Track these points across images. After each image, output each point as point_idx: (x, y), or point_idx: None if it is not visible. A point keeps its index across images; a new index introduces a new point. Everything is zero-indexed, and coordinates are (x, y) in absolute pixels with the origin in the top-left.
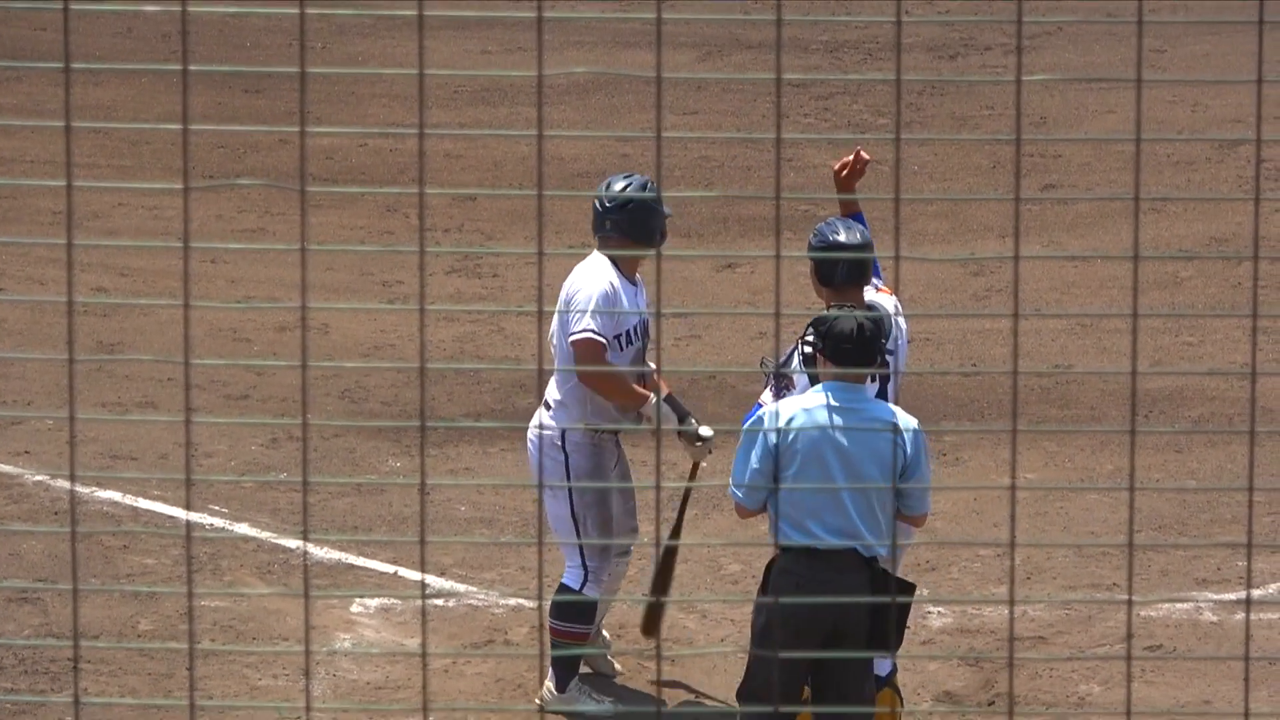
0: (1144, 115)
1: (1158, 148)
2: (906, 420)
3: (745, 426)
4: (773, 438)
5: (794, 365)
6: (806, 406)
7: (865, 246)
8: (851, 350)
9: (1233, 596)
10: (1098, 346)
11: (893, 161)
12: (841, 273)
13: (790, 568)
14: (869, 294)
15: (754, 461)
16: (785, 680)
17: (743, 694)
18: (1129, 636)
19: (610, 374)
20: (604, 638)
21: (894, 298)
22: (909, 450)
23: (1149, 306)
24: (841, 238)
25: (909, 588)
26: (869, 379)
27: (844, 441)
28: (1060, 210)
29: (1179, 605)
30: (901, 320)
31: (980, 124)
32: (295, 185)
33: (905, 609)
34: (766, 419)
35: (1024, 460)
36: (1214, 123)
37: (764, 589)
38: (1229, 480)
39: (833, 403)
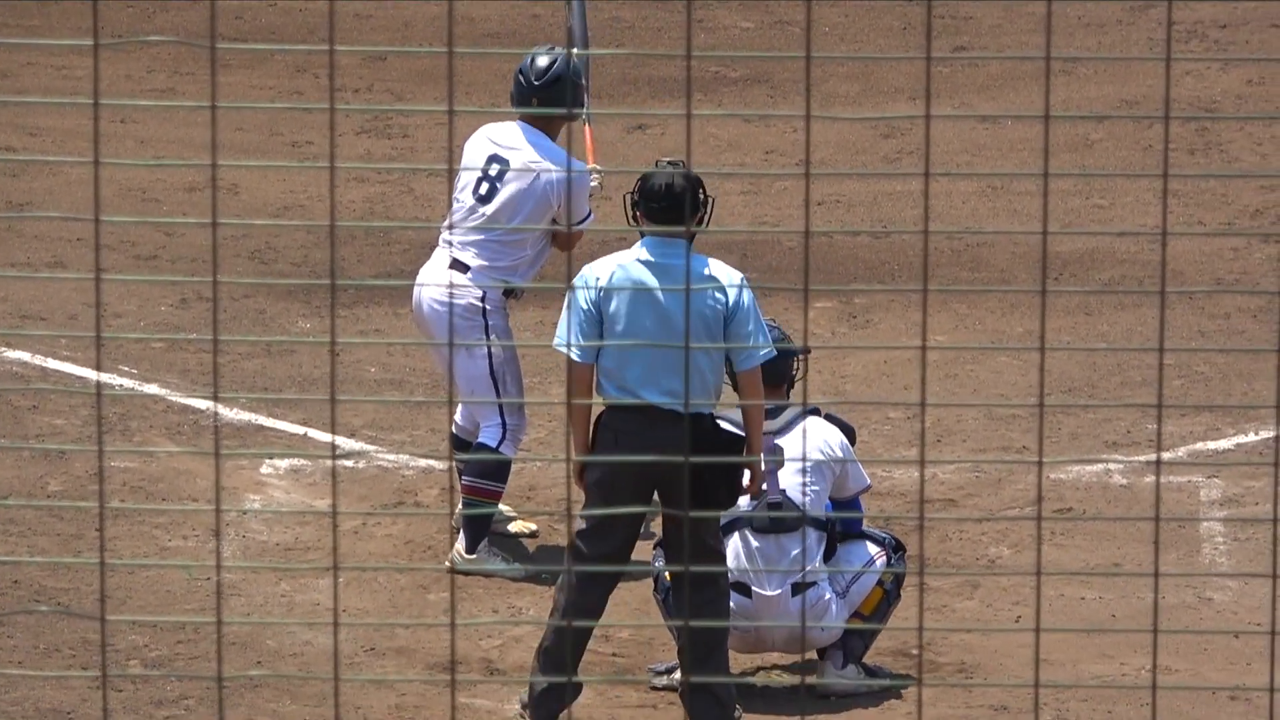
0: None
1: (1069, 9)
2: (729, 273)
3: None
4: (592, 294)
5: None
6: (623, 263)
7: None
8: (663, 207)
9: (1142, 459)
10: (1008, 209)
11: (803, 22)
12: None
13: (608, 422)
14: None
15: (577, 317)
16: (606, 531)
17: (571, 546)
18: (1039, 499)
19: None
20: (502, 509)
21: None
22: (728, 302)
23: (1060, 169)
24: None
25: (737, 442)
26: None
27: (660, 296)
28: (971, 71)
29: (1088, 468)
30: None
31: None
32: (205, 43)
33: (733, 467)
34: (586, 275)
35: (934, 322)
36: None
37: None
38: (1139, 343)
39: (649, 258)
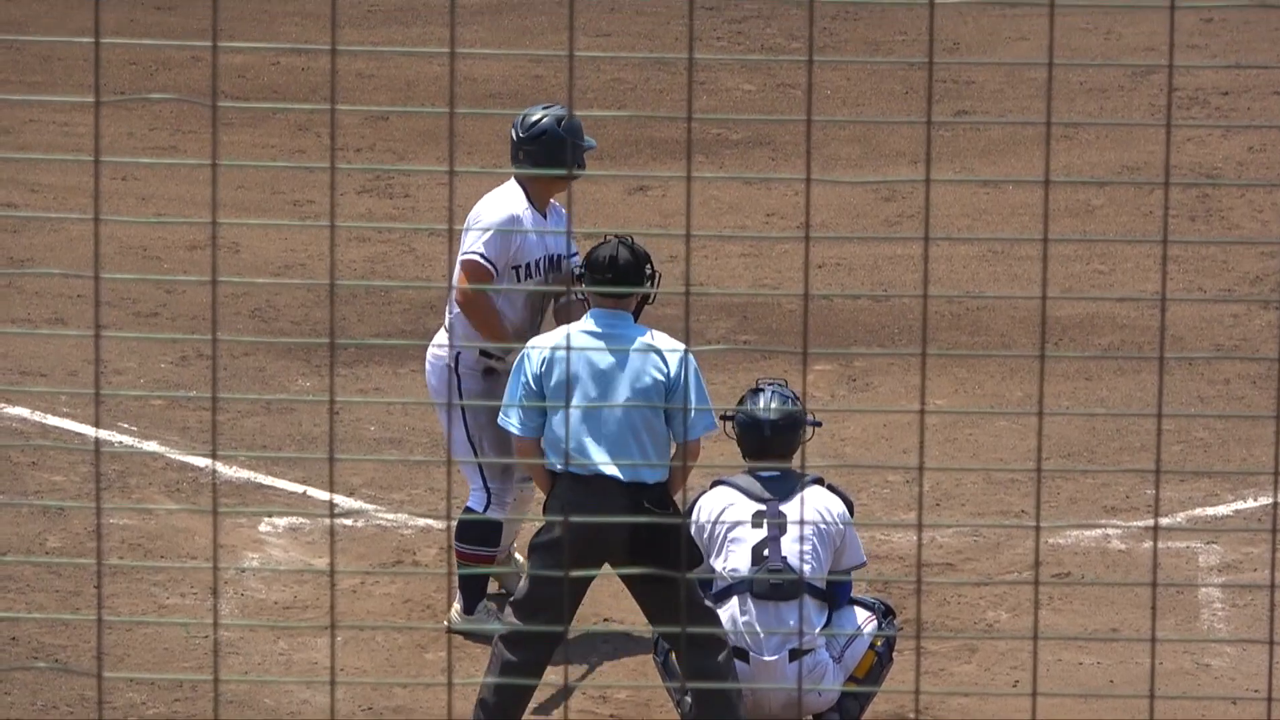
0: (1056, 43)
1: (1070, 74)
2: (671, 344)
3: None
4: (533, 365)
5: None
6: (569, 333)
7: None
8: (609, 280)
9: (1140, 524)
10: (1009, 273)
11: (805, 85)
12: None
13: (558, 493)
14: (819, 495)
15: (517, 389)
16: (550, 599)
17: (513, 605)
18: (1037, 563)
19: (477, 306)
20: (515, 560)
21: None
22: (671, 373)
23: (1060, 234)
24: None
25: (675, 515)
26: (635, 308)
27: (603, 367)
28: (972, 136)
29: (1087, 532)
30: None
31: (893, 49)
32: (207, 102)
33: (671, 536)
34: (530, 347)
35: (934, 386)
36: (1127, 50)
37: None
38: (1138, 408)
39: (594, 329)
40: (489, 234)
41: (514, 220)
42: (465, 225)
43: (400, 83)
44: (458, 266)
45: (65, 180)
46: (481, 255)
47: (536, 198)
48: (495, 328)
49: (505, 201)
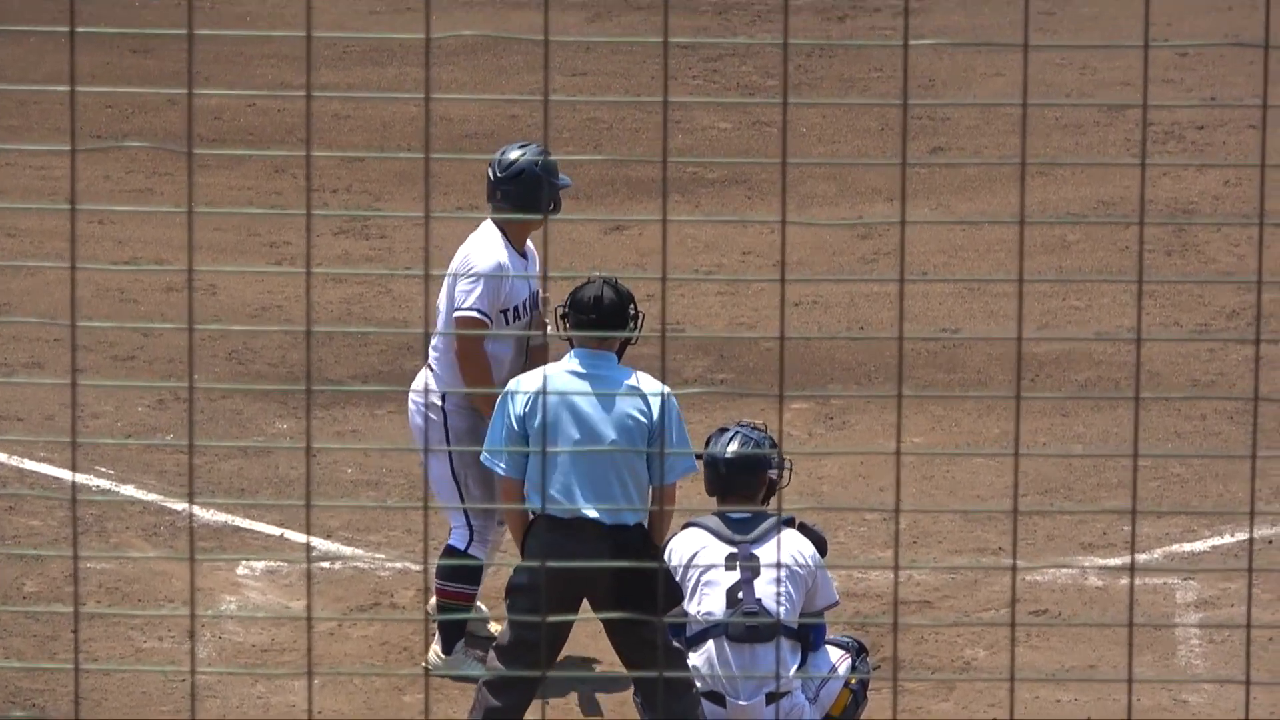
0: (1032, 78)
1: (1046, 111)
2: (654, 386)
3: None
4: (516, 408)
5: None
6: (551, 374)
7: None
8: (592, 320)
9: (1117, 561)
10: (985, 310)
11: (781, 123)
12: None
13: (537, 534)
14: (791, 537)
15: (500, 431)
16: (532, 642)
17: (496, 649)
18: (1014, 601)
19: (475, 359)
20: (479, 608)
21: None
22: (653, 416)
23: (1036, 270)
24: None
25: (657, 557)
26: (618, 349)
27: (585, 410)
28: (948, 173)
29: (1064, 570)
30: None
31: (869, 86)
32: (182, 147)
33: (651, 578)
34: (513, 387)
35: (910, 424)
36: (1102, 86)
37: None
38: (1115, 444)
39: (578, 369)
40: (479, 287)
41: (501, 268)
42: (451, 271)
43: (376, 123)
44: (451, 319)
45: (42, 224)
46: (478, 311)
47: (515, 238)
48: (488, 380)
49: (490, 249)
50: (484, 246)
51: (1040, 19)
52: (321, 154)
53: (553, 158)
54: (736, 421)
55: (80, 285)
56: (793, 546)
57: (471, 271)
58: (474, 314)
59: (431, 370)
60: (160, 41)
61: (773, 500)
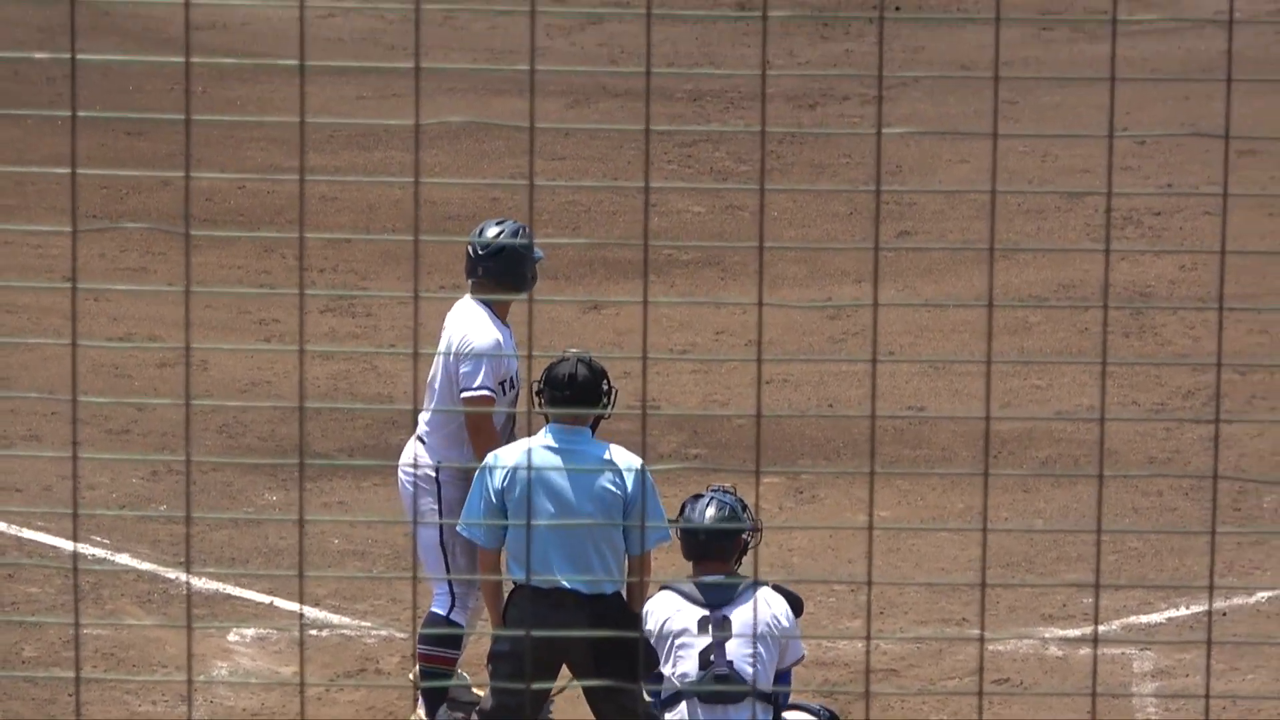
0: (997, 166)
1: (1008, 196)
2: (628, 459)
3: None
4: (495, 482)
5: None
6: (528, 448)
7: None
8: (566, 396)
9: (1078, 632)
10: (950, 389)
11: (753, 207)
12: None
13: (516, 601)
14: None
15: (479, 504)
16: (514, 707)
17: (480, 714)
18: (980, 670)
19: (488, 433)
20: (459, 675)
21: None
22: (628, 488)
23: (999, 351)
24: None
25: (635, 625)
26: (592, 423)
27: (562, 483)
28: (915, 256)
29: (1026, 640)
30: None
31: (838, 172)
32: (179, 228)
33: (633, 647)
34: (491, 461)
35: (878, 497)
36: (1063, 172)
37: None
38: (1075, 519)
39: (552, 445)
40: (485, 366)
41: (499, 345)
42: (449, 351)
43: (362, 205)
44: (455, 396)
45: (40, 301)
46: (488, 389)
47: (500, 312)
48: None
49: (484, 327)
50: (479, 325)
51: (1004, 107)
52: (313, 235)
53: (526, 233)
54: (708, 486)
55: (77, 361)
56: (767, 608)
57: (473, 351)
58: (486, 392)
59: (422, 442)
60: (153, 124)
61: (746, 562)
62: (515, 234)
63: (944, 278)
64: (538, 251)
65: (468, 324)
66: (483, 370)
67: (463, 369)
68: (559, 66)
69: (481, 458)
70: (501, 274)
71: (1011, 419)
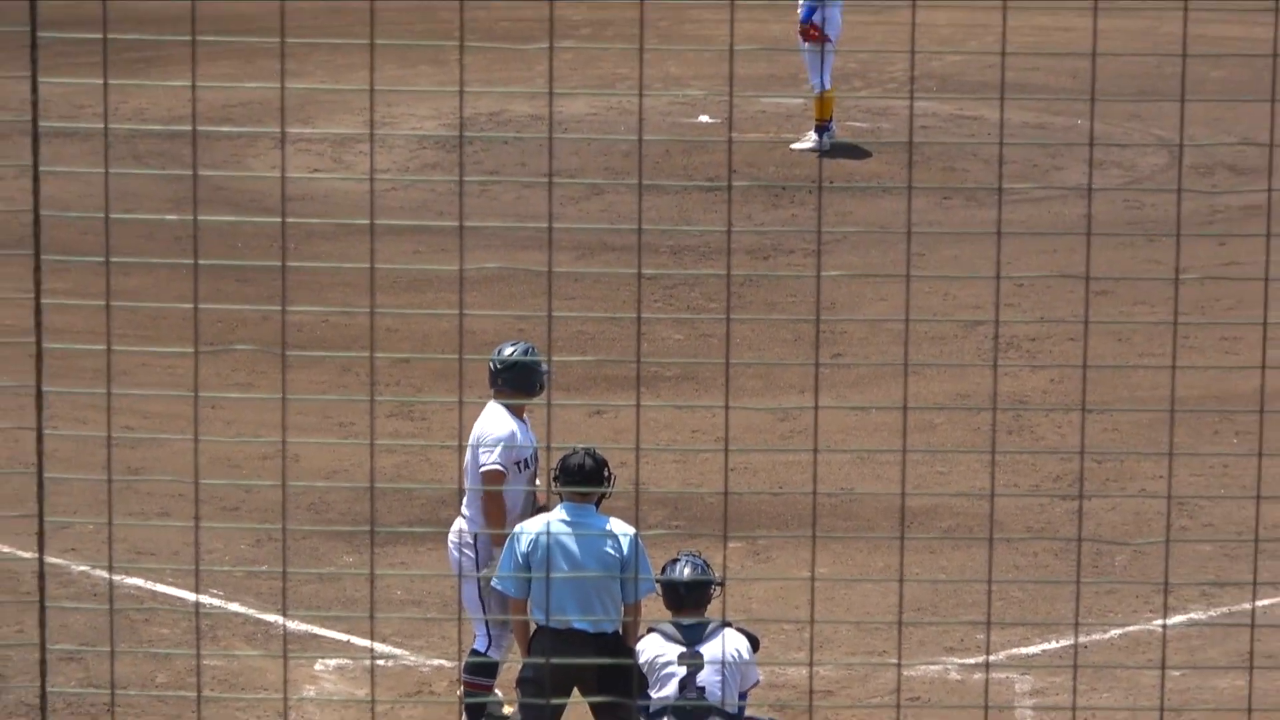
0: (909, 303)
1: (918, 325)
2: (624, 528)
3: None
4: (522, 546)
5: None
6: (548, 521)
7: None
8: (577, 480)
9: (973, 660)
10: (873, 474)
11: (721, 335)
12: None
13: (540, 640)
14: (732, 636)
15: (509, 563)
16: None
17: None
18: (897, 690)
19: (497, 500)
20: (495, 694)
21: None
22: (624, 550)
23: (912, 444)
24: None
25: (630, 656)
26: (597, 501)
27: (573, 547)
28: (846, 371)
29: (933, 667)
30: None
31: (786, 307)
32: (277, 350)
33: (629, 673)
34: (519, 531)
35: (818, 558)
36: (960, 306)
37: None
38: (970, 573)
39: (565, 518)
40: (498, 447)
41: (514, 435)
42: (473, 441)
43: (419, 335)
44: (478, 473)
45: (170, 408)
46: (499, 465)
47: (517, 412)
48: (503, 520)
49: (502, 420)
50: (496, 420)
51: (915, 258)
52: (381, 355)
53: (534, 352)
54: (679, 551)
55: (199, 454)
56: (731, 643)
57: (490, 437)
58: (496, 467)
59: (464, 516)
60: (257, 272)
61: (713, 607)
62: (525, 352)
63: (868, 388)
64: (544, 366)
65: (488, 421)
66: (496, 451)
67: (481, 452)
68: (570, 225)
69: (490, 520)
70: (516, 383)
71: (921, 495)
